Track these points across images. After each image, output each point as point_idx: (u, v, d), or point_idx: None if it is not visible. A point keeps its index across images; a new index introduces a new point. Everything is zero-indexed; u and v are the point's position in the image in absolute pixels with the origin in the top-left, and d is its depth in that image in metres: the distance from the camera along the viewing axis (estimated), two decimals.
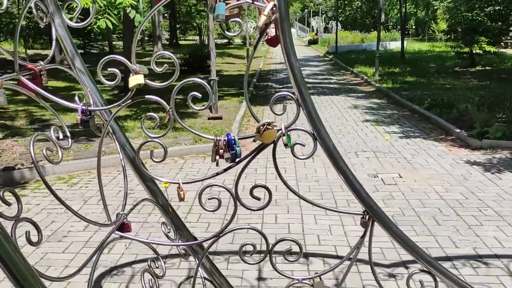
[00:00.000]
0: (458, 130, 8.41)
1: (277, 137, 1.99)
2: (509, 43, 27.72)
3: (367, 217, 2.07)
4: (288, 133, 2.01)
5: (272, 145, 2.02)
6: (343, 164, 1.99)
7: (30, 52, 23.00)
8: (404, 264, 4.01)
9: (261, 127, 1.98)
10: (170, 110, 1.98)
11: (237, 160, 2.03)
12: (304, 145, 2.01)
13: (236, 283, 3.73)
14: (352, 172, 2.03)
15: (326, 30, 52.16)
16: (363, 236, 2.11)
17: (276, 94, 2.01)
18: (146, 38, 34.93)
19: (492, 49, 19.06)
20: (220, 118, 9.99)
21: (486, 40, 18.55)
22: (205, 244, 2.41)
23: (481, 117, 8.34)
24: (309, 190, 5.81)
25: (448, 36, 22.73)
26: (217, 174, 2.10)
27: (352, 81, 17.05)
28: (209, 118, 9.93)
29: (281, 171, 2.08)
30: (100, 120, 2.28)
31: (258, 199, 2.07)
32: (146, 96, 2.03)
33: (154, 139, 2.01)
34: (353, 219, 4.92)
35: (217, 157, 2.02)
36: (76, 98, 2.25)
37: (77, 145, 7.44)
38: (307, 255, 4.21)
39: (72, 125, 3.18)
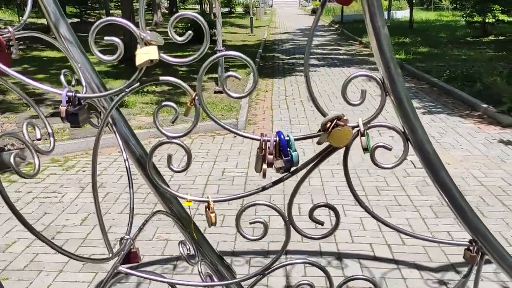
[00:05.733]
0: (485, 105, 7.76)
1: (352, 137, 1.38)
2: None
3: (475, 249, 1.47)
4: (367, 131, 1.39)
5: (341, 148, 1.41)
6: (446, 176, 1.39)
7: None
8: (453, 267, 3.45)
9: (329, 123, 1.36)
10: (197, 98, 1.36)
11: (292, 169, 1.42)
12: (390, 149, 1.40)
13: None
14: (458, 188, 1.42)
15: None
16: (467, 275, 1.51)
17: (354, 74, 1.39)
18: (144, 6, 33.80)
19: (506, 18, 18.28)
20: None
21: (500, 9, 17.74)
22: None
23: (510, 91, 7.69)
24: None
25: (455, 5, 21.87)
26: (264, 188, 1.49)
27: (362, 51, 16.26)
28: (215, 92, 9.26)
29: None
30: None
31: (321, 223, 1.47)
32: (162, 78, 1.41)
33: (174, 140, 1.39)
34: (386, 210, 4.35)
35: (264, 166, 1.40)
36: (62, 77, 1.62)
37: None
38: (340, 256, 3.64)
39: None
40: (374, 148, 1.39)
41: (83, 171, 5.36)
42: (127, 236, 1.65)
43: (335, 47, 17.50)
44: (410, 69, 11.71)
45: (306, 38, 19.71)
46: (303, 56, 15.00)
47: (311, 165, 1.42)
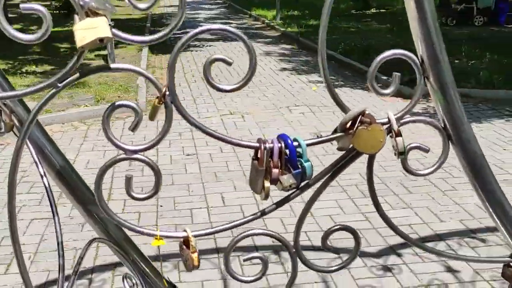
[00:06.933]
0: (385, 77, 7.86)
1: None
2: None
3: None
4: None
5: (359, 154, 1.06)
6: (495, 184, 1.09)
7: None
8: (394, 250, 3.31)
9: (350, 123, 1.00)
10: (168, 94, 0.93)
11: (301, 184, 1.05)
12: (427, 150, 1.07)
13: None
14: (506, 197, 1.14)
15: None
16: None
17: (384, 54, 1.03)
18: None
19: None
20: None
21: None
22: None
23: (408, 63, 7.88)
24: None
25: None
26: (264, 213, 1.10)
27: (253, 25, 16.06)
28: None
29: None
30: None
31: (337, 253, 1.12)
32: (114, 65, 0.95)
33: (137, 157, 0.95)
34: None
35: (267, 184, 1.01)
36: None
37: None
38: (277, 248, 3.35)
39: None
40: (409, 148, 1.06)
41: None
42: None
43: (226, 21, 17.12)
44: (304, 42, 11.70)
45: (194, 12, 19.09)
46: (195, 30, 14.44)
47: (326, 177, 1.06)
